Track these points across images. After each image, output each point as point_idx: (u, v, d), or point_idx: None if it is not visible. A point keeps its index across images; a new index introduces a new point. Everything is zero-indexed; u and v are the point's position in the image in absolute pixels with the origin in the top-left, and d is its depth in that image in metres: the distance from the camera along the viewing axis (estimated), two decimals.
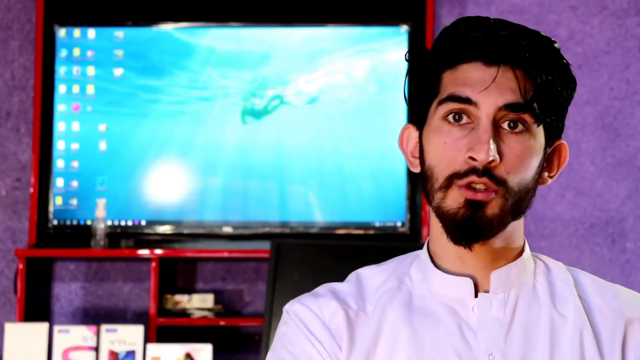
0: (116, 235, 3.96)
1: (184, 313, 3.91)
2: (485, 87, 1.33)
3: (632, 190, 4.05)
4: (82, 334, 3.63)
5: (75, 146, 4.01)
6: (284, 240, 3.18)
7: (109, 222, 3.93)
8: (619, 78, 4.09)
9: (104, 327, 3.64)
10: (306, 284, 3.05)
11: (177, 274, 4.11)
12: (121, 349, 3.62)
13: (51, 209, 3.98)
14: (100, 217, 3.86)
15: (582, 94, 4.09)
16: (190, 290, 4.08)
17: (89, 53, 4.05)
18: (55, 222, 3.98)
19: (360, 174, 3.93)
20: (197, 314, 3.90)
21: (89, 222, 3.96)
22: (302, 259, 3.09)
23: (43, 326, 3.65)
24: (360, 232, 3.95)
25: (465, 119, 1.35)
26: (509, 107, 1.34)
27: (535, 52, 1.35)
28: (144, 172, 4.01)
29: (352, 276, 1.47)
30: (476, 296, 1.39)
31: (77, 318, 4.07)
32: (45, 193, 3.99)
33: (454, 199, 1.34)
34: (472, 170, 1.32)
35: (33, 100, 4.05)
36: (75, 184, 4.00)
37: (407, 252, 1.48)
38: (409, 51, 1.43)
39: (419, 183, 1.46)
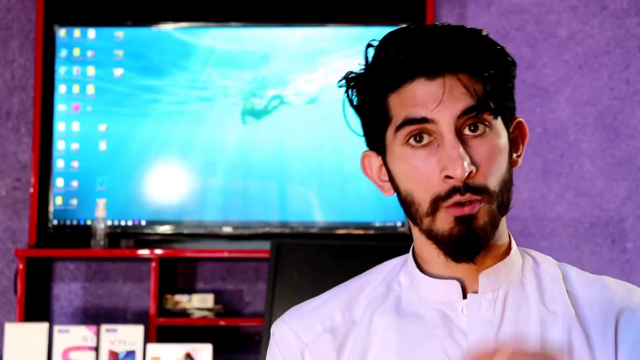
0: (116, 235, 3.96)
1: (184, 313, 3.91)
2: (438, 102, 1.32)
3: (632, 190, 4.05)
4: (82, 334, 3.63)
5: (75, 146, 4.01)
6: (284, 240, 3.18)
7: (109, 222, 3.93)
8: (619, 78, 4.09)
9: (104, 327, 3.64)
10: (306, 284, 3.06)
11: (177, 274, 4.11)
12: (121, 349, 3.62)
13: (51, 209, 3.98)
14: (100, 217, 3.86)
15: (582, 94, 4.09)
16: (190, 290, 4.08)
17: (89, 53, 4.04)
18: (55, 222, 3.98)
19: (360, 174, 3.91)
20: (197, 314, 3.90)
21: (89, 222, 3.96)
22: (302, 259, 3.08)
23: (43, 326, 3.65)
24: (360, 232, 3.95)
25: (426, 138, 1.34)
26: (465, 112, 1.33)
27: (471, 53, 1.34)
28: (144, 172, 4.01)
29: (342, 285, 1.48)
30: (464, 297, 1.38)
31: (77, 318, 4.07)
32: (45, 193, 3.99)
33: (444, 221, 1.33)
34: (454, 190, 1.32)
35: (33, 100, 4.05)
36: (75, 184, 4.00)
37: (407, 252, 1.48)
38: (343, 78, 1.40)
39: None
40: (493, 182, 1.34)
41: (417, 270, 1.41)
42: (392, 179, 1.39)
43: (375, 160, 1.42)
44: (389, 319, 1.40)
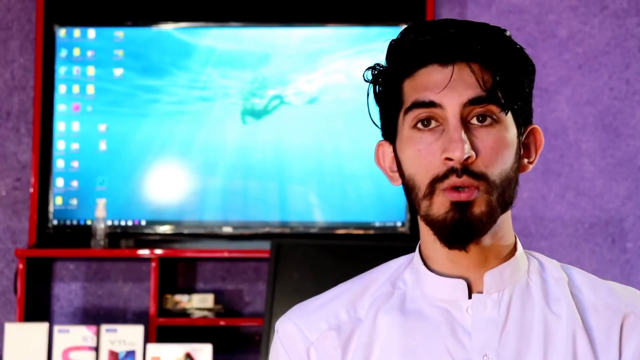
0: (116, 235, 3.96)
1: (184, 313, 3.91)
2: (445, 87, 1.34)
3: (632, 190, 4.05)
4: (82, 334, 3.63)
5: (75, 146, 4.01)
6: (284, 240, 3.18)
7: (109, 222, 3.93)
8: (619, 78, 4.09)
9: (104, 327, 3.64)
10: (306, 284, 3.06)
11: (177, 274, 4.11)
12: (121, 349, 3.62)
13: (51, 209, 3.98)
14: (100, 217, 3.86)
15: (582, 94, 4.09)
16: (190, 290, 4.08)
17: (89, 53, 4.05)
18: (55, 222, 3.98)
19: (360, 174, 3.93)
20: (197, 314, 3.90)
21: (89, 222, 3.96)
22: (302, 259, 3.09)
23: (43, 326, 3.65)
24: (360, 232, 3.95)
25: (434, 123, 1.35)
26: (472, 101, 1.34)
27: (485, 44, 1.36)
28: (144, 172, 4.01)
29: (347, 283, 1.48)
30: (470, 297, 1.39)
31: (77, 318, 4.07)
32: (45, 193, 3.99)
33: (440, 204, 1.34)
34: (451, 171, 1.33)
35: (33, 100, 4.05)
36: (75, 184, 4.00)
37: (407, 252, 1.48)
38: (368, 69, 1.42)
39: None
40: (494, 173, 1.34)
41: (423, 268, 1.41)
42: (399, 167, 1.40)
43: (389, 149, 1.43)
44: (393, 318, 1.40)
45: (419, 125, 1.36)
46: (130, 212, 3.99)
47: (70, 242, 3.97)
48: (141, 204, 4.00)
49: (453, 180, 1.32)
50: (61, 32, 4.04)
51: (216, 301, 3.99)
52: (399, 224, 3.94)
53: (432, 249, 1.40)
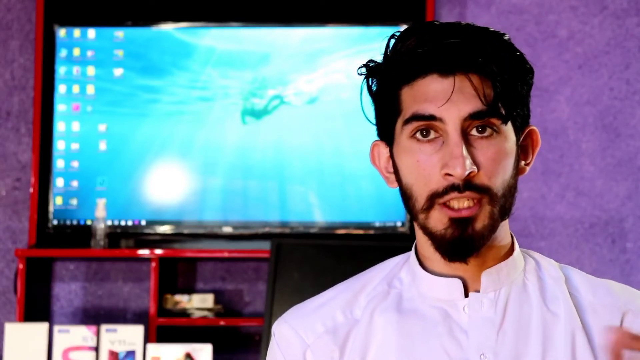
0: (116, 235, 3.96)
1: (184, 313, 3.91)
2: (447, 100, 1.32)
3: (632, 190, 4.05)
4: (82, 334, 3.63)
5: (75, 146, 4.01)
6: (284, 240, 3.18)
7: (109, 222, 3.93)
8: (619, 78, 4.09)
9: (104, 327, 3.64)
10: (306, 284, 3.06)
11: (177, 274, 4.11)
12: (121, 349, 3.62)
13: (51, 209, 3.98)
14: (100, 217, 3.86)
15: (582, 94, 4.09)
16: (190, 290, 4.08)
17: (89, 53, 4.04)
18: (55, 222, 3.98)
19: (360, 174, 3.93)
20: (197, 314, 3.90)
21: (89, 222, 3.96)
22: (302, 258, 3.09)
23: (43, 326, 3.65)
24: (360, 232, 3.95)
25: (433, 134, 1.34)
26: (473, 116, 1.33)
27: (486, 54, 1.34)
28: (144, 172, 4.01)
29: (343, 283, 1.48)
30: (466, 296, 1.38)
31: (77, 318, 4.07)
32: (45, 193, 3.99)
33: (437, 220, 1.34)
34: (452, 188, 1.32)
35: (33, 100, 4.05)
36: (75, 184, 4.00)
37: (408, 252, 1.48)
38: (362, 66, 1.41)
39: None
40: (496, 184, 1.34)
41: (419, 268, 1.41)
42: (396, 172, 1.40)
43: (384, 150, 1.43)
44: (389, 317, 1.40)
45: (418, 135, 1.35)
46: (130, 212, 3.99)
47: (70, 242, 3.97)
48: (141, 204, 4.00)
49: (452, 195, 1.32)
50: (61, 32, 4.04)
51: (216, 301, 3.99)
52: (399, 224, 3.94)
53: (428, 249, 1.40)
